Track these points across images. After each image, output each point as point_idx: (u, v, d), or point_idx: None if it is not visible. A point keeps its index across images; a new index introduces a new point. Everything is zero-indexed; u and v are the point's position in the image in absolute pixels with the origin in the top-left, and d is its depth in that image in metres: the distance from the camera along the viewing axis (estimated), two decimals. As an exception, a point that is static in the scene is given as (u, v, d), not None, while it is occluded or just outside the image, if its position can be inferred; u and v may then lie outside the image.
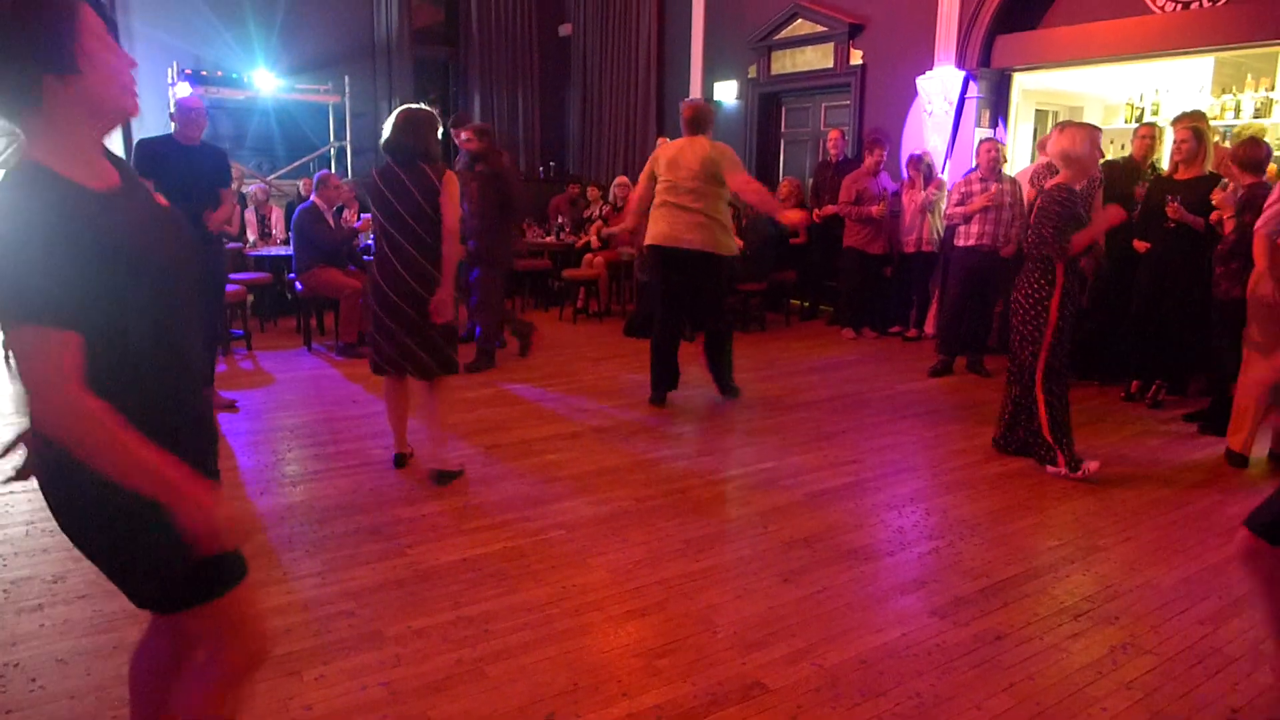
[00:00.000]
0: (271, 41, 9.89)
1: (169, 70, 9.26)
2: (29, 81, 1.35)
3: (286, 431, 4.86)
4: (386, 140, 3.92)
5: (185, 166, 4.85)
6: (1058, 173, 5.75)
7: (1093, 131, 4.26)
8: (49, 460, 1.46)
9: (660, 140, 7.66)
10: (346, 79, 10.17)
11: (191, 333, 1.60)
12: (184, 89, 9.25)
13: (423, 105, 4.04)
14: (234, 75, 9.54)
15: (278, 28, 9.95)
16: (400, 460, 4.30)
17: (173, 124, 5.19)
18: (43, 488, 1.51)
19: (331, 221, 7.03)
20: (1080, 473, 4.22)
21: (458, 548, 3.39)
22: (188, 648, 1.74)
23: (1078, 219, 4.17)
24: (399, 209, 3.88)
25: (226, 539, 1.45)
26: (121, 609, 2.86)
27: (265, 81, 9.65)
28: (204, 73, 9.39)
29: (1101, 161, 6.41)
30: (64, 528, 1.52)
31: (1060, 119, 7.34)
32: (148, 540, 1.47)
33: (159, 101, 9.64)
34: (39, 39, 1.34)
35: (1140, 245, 5.57)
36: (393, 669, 2.57)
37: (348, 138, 10.36)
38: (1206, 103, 6.81)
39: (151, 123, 9.57)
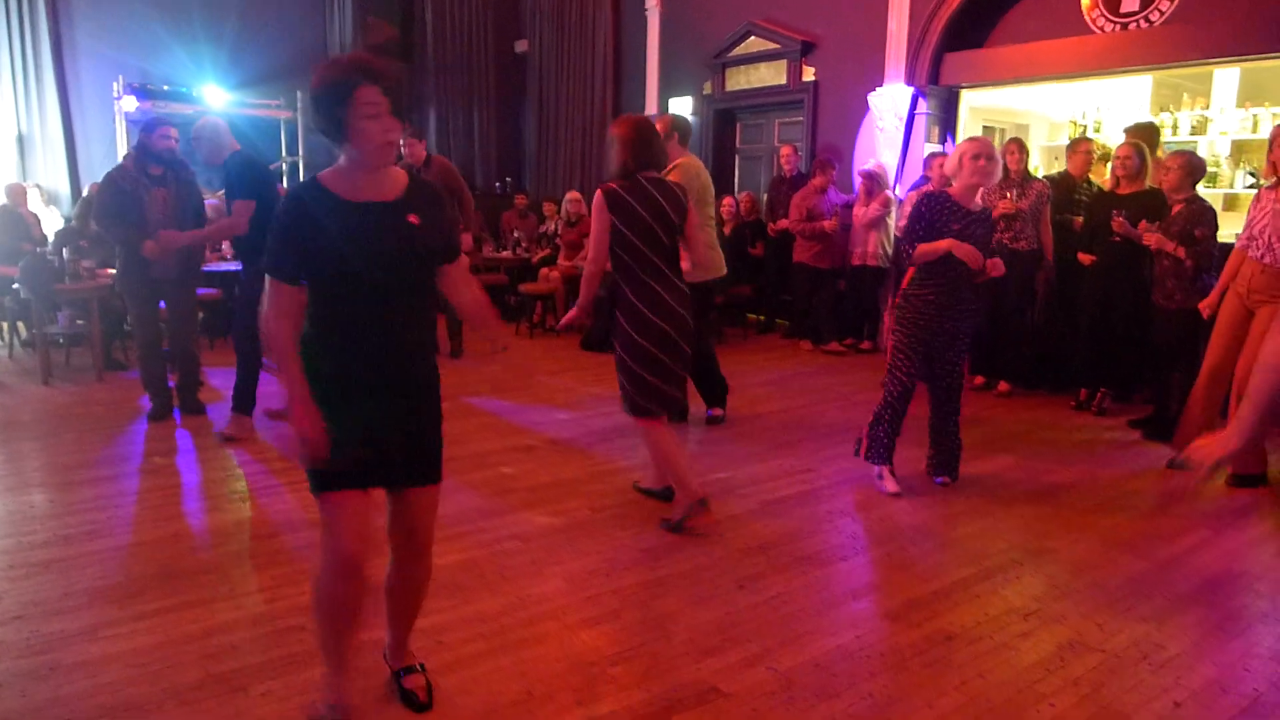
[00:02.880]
0: (221, 55, 9.78)
1: (115, 84, 9.12)
2: (327, 137, 2.15)
3: (235, 447, 4.77)
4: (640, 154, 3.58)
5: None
6: (1015, 188, 5.91)
7: (971, 145, 4.02)
8: None
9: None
10: (299, 94, 10.08)
11: (383, 320, 2.19)
12: (130, 103, 9.11)
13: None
14: (182, 89, 9.43)
15: (228, 41, 9.84)
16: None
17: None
18: None
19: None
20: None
21: (411, 560, 3.34)
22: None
23: (931, 227, 4.01)
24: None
25: (305, 457, 2.16)
26: (59, 630, 2.79)
27: (215, 96, 9.55)
28: (151, 87, 9.26)
29: (1044, 175, 6.60)
30: None
31: (1007, 135, 7.51)
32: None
33: (104, 115, 9.49)
34: (326, 120, 2.12)
35: (1085, 258, 5.71)
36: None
37: (300, 154, 10.27)
38: (1145, 120, 7.03)
39: (96, 135, 9.42)
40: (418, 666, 2.53)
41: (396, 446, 2.24)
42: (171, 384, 5.41)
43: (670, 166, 5.01)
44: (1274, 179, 4.24)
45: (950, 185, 4.14)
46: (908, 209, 6.58)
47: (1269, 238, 4.19)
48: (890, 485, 4.19)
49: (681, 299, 3.64)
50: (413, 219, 2.18)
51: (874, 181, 7.47)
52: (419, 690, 2.46)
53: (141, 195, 5.03)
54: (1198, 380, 4.60)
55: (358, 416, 2.19)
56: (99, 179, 8.53)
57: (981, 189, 4.13)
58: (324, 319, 2.19)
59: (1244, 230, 4.41)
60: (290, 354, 2.15)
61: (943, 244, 3.97)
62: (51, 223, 8.50)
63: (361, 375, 2.19)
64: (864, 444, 4.29)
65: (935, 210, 4.05)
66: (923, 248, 4.03)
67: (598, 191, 3.59)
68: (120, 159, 8.92)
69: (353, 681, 2.38)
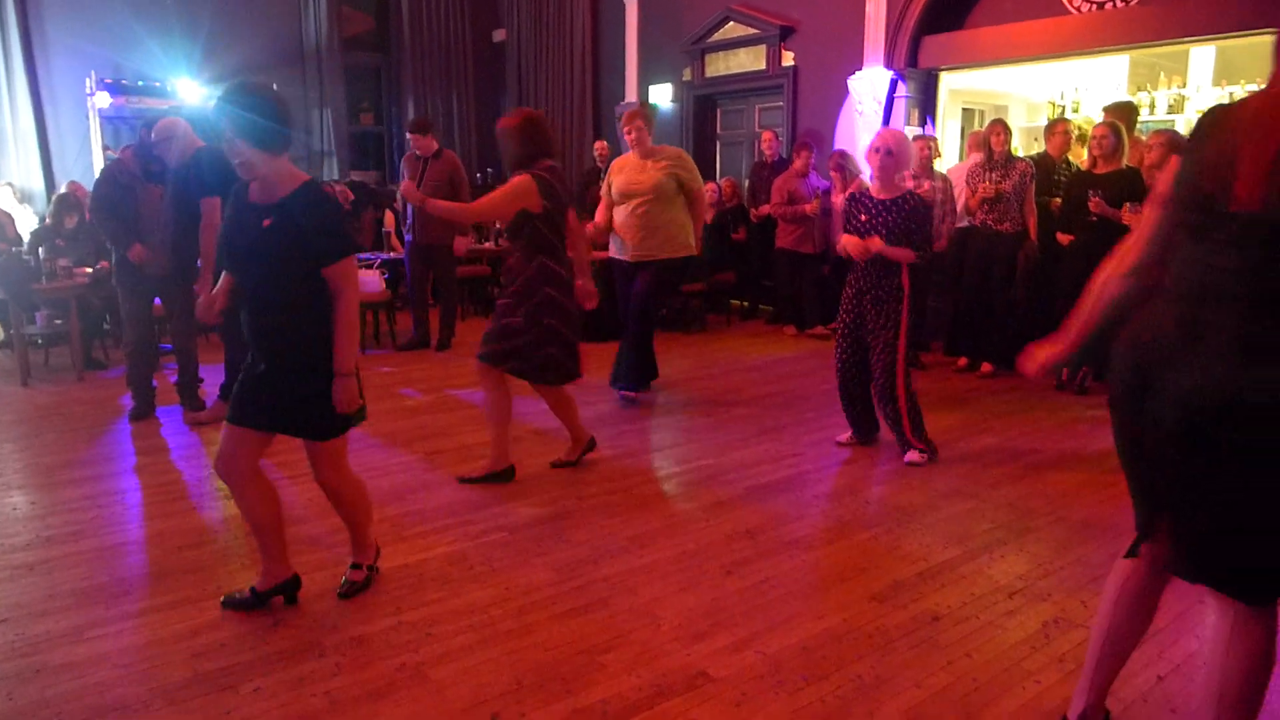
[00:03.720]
0: (196, 49, 9.65)
1: (87, 80, 9.00)
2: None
3: (213, 445, 4.73)
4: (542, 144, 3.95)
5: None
6: (993, 170, 5.94)
7: (876, 138, 4.38)
8: None
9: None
10: (274, 87, 9.97)
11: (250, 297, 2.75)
12: (103, 99, 9.00)
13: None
14: (156, 84, 9.29)
15: (202, 35, 9.71)
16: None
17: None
18: None
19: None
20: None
21: (398, 554, 3.34)
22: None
23: (847, 224, 4.41)
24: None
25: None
26: (44, 632, 2.77)
27: (189, 90, 9.43)
28: (124, 82, 9.13)
29: (1027, 156, 6.63)
30: None
31: (987, 117, 7.53)
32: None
33: (78, 112, 9.37)
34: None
35: (1063, 238, 5.75)
36: (333, 678, 2.52)
37: (278, 147, 10.17)
38: (1123, 99, 7.06)
39: (70, 132, 9.30)
40: (362, 565, 3.08)
41: (267, 402, 2.78)
42: (156, 384, 5.38)
43: (655, 151, 5.44)
44: None
45: (936, 165, 4.31)
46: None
47: None
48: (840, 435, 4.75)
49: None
50: (266, 222, 2.66)
51: (844, 171, 7.40)
52: (357, 582, 3.04)
53: (137, 191, 5.03)
54: None
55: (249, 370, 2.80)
56: (73, 177, 8.50)
57: (965, 174, 4.26)
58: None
59: None
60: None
61: (841, 240, 4.40)
62: (26, 222, 8.39)
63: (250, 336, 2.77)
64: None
65: (849, 206, 4.45)
66: (838, 245, 4.48)
67: (525, 175, 3.77)
68: (106, 156, 8.86)
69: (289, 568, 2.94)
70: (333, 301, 2.73)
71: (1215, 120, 1.78)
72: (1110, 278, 2.03)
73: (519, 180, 3.84)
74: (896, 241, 4.22)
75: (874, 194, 4.35)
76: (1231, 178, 1.65)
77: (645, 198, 5.36)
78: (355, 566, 3.07)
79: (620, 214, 5.49)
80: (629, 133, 5.42)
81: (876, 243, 4.24)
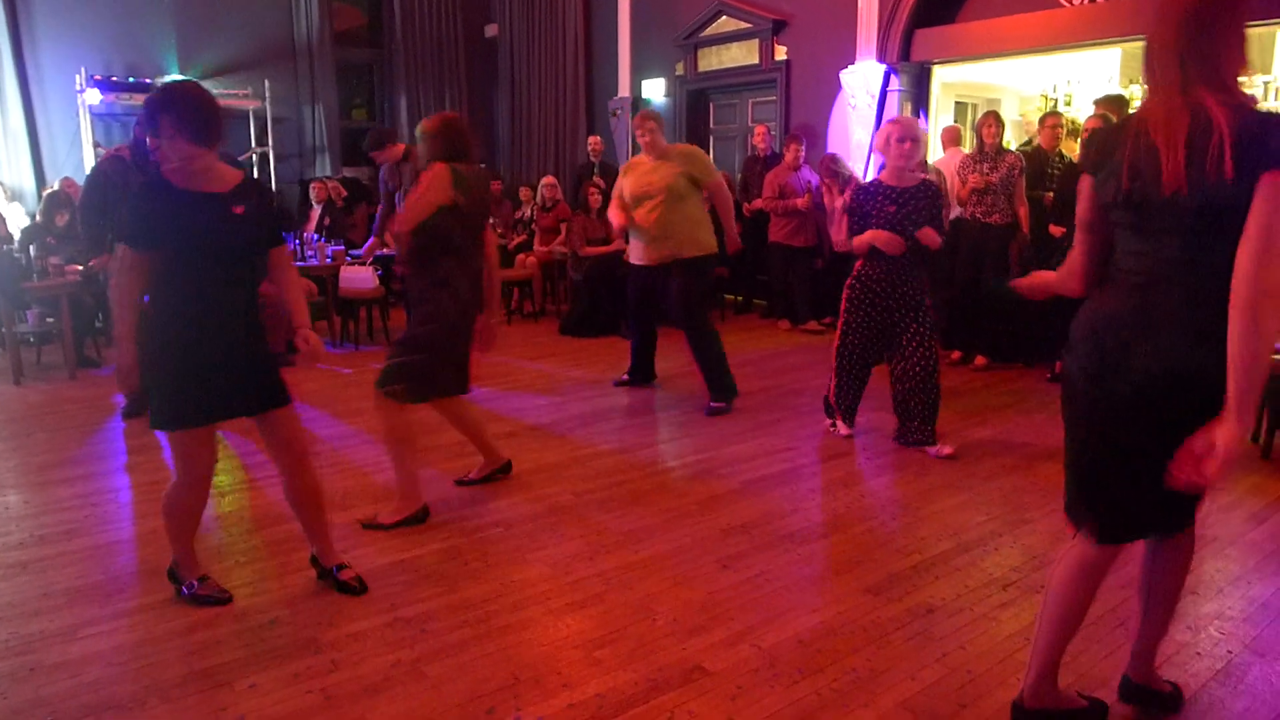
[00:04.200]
0: (186, 44, 9.61)
1: (77, 76, 8.95)
2: None
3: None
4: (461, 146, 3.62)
5: None
6: (983, 162, 5.95)
7: (896, 127, 4.28)
8: None
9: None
10: (267, 83, 9.95)
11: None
12: (94, 96, 8.96)
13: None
14: (147, 80, 9.25)
15: (193, 30, 9.68)
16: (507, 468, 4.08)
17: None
18: None
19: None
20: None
21: (393, 550, 3.34)
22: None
23: (864, 216, 4.30)
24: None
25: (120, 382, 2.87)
26: (39, 631, 2.77)
27: (181, 87, 9.38)
28: (114, 79, 9.09)
29: (1017, 148, 6.64)
30: None
31: (979, 111, 7.54)
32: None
33: (68, 109, 9.33)
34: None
35: (1056, 230, 5.76)
36: (328, 675, 2.52)
37: (270, 144, 10.14)
38: (1114, 93, 7.07)
39: (60, 129, 9.26)
40: (347, 564, 3.09)
41: (235, 387, 2.80)
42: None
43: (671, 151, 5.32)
44: None
45: (981, 162, 4.32)
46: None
47: None
48: (842, 429, 4.72)
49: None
50: (239, 209, 2.75)
51: (838, 175, 7.36)
52: (352, 580, 3.03)
53: (131, 187, 5.01)
54: None
55: (200, 368, 2.76)
56: (64, 174, 8.46)
57: (955, 166, 4.24)
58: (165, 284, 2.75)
59: None
60: (129, 306, 2.75)
61: (867, 236, 4.27)
62: (16, 220, 8.35)
63: (195, 334, 2.74)
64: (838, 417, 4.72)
65: (865, 200, 4.30)
66: (856, 241, 4.33)
67: (440, 165, 3.52)
68: (96, 152, 8.81)
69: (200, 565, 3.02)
70: (279, 275, 2.98)
71: (1116, 134, 2.01)
72: (1060, 283, 2.32)
73: (434, 168, 3.53)
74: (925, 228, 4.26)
75: (894, 183, 4.28)
76: (1157, 169, 1.85)
77: (657, 199, 5.19)
78: (346, 565, 3.09)
79: (635, 218, 5.33)
80: (642, 135, 5.28)
81: (933, 236, 4.24)
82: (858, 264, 4.43)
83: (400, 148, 6.70)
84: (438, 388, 3.69)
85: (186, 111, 2.68)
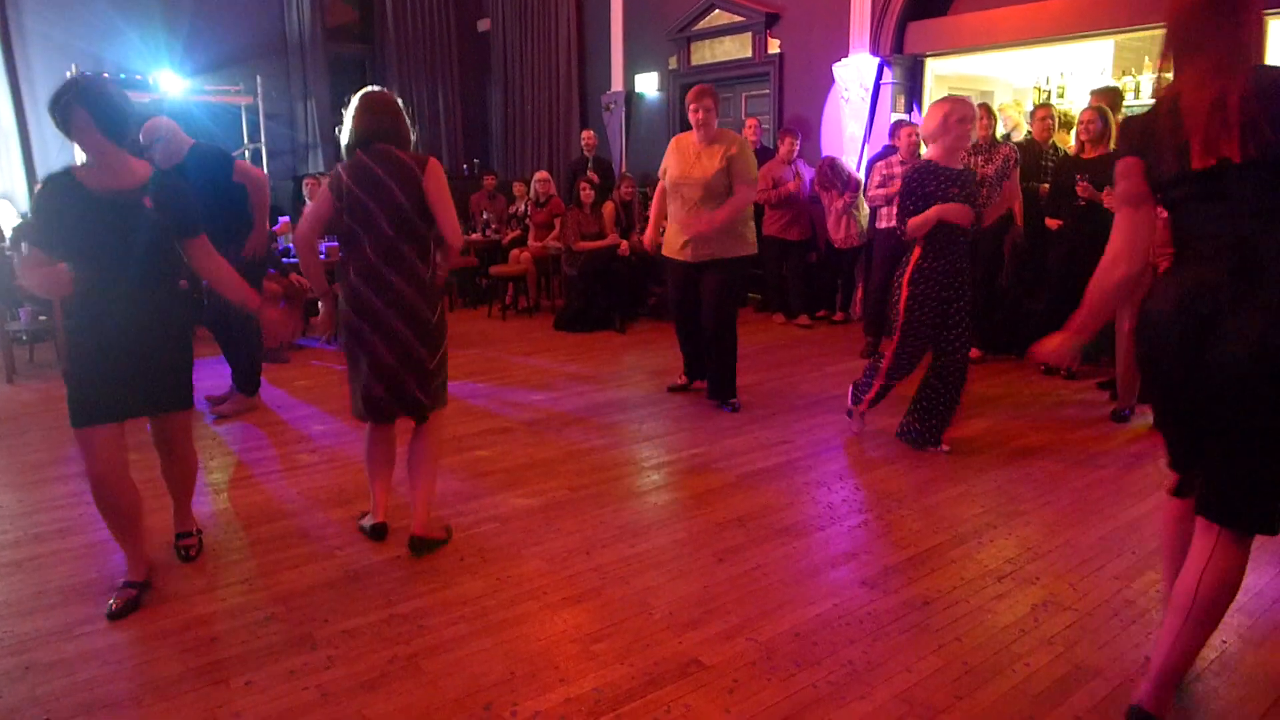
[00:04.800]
0: (177, 41, 9.56)
1: (67, 73, 8.88)
2: None
3: (209, 439, 4.72)
4: (360, 129, 3.15)
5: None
6: (977, 154, 5.94)
7: (955, 106, 4.03)
8: None
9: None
10: (259, 79, 9.90)
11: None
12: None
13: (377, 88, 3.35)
14: (137, 77, 9.19)
15: (184, 27, 9.62)
16: (381, 532, 3.36)
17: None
18: None
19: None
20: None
21: (389, 546, 3.33)
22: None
23: (926, 198, 4.03)
24: (376, 208, 3.10)
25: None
26: (34, 629, 2.76)
27: (171, 83, 9.34)
28: (105, 75, 9.01)
29: (1014, 140, 6.63)
30: None
31: (977, 104, 7.51)
32: None
33: (59, 106, 9.24)
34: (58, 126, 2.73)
35: (1052, 223, 5.76)
36: (325, 671, 2.52)
37: (262, 140, 10.09)
38: (1108, 84, 7.07)
39: (51, 126, 9.18)
40: (193, 532, 3.28)
41: (139, 385, 2.82)
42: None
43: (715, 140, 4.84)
44: None
45: (923, 151, 4.19)
46: (875, 178, 6.59)
47: None
48: (856, 426, 4.61)
49: (423, 288, 3.18)
50: (148, 202, 2.74)
51: (835, 179, 7.36)
52: (187, 549, 3.23)
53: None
54: (1119, 341, 4.91)
55: (104, 365, 2.77)
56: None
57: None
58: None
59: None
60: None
61: (931, 211, 4.02)
62: (8, 218, 8.31)
63: (110, 325, 2.73)
64: (868, 394, 4.48)
65: (928, 180, 4.05)
66: (913, 220, 4.06)
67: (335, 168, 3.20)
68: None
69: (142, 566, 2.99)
70: (201, 264, 2.96)
71: (1155, 116, 2.12)
72: (1110, 269, 2.27)
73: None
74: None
75: (950, 165, 4.13)
76: (1230, 136, 1.96)
77: (696, 192, 4.84)
78: (190, 534, 3.28)
79: (674, 207, 4.97)
80: (696, 111, 4.81)
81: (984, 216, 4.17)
82: (914, 256, 4.17)
83: None
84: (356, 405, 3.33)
85: (102, 105, 2.64)
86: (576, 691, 2.41)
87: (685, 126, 9.80)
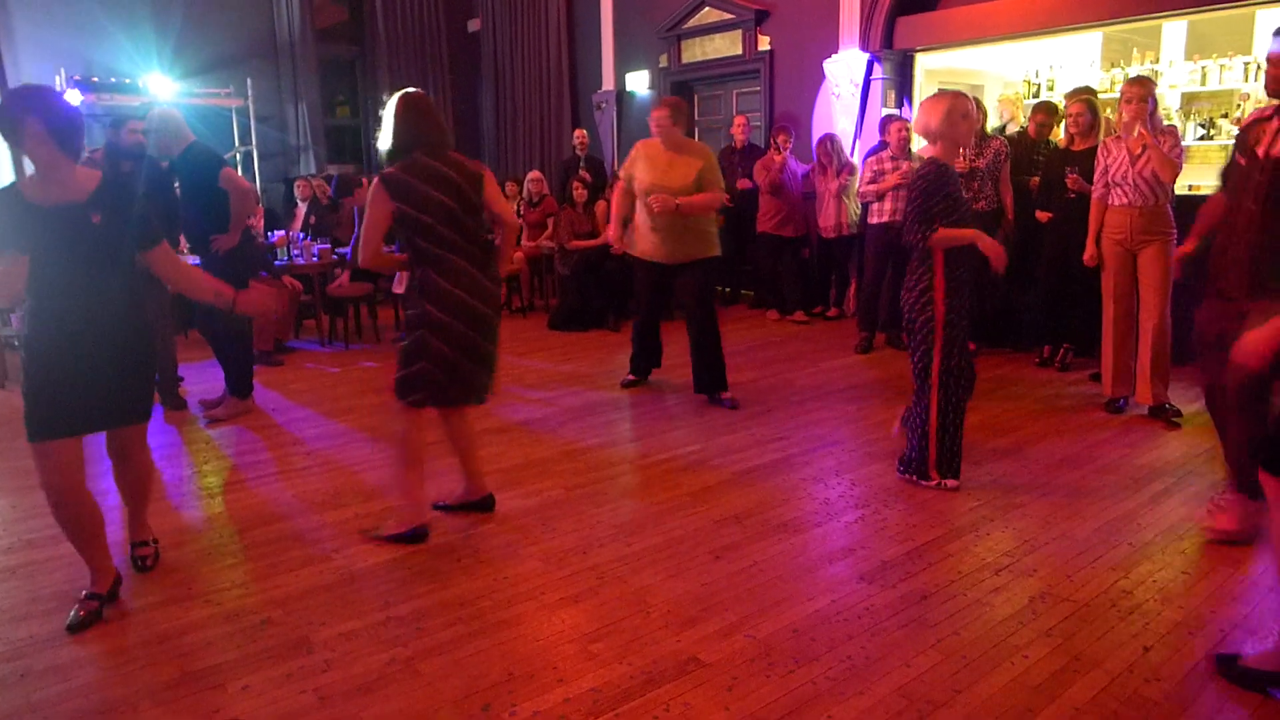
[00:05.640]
0: (167, 43, 9.51)
1: (56, 77, 8.85)
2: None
3: (203, 443, 4.70)
4: (417, 132, 3.25)
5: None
6: (972, 148, 5.94)
7: (957, 102, 3.71)
8: None
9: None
10: (249, 81, 9.86)
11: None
12: (74, 97, 8.86)
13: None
14: (127, 80, 9.15)
15: (173, 28, 9.57)
16: (425, 534, 3.39)
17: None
18: None
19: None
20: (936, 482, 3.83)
21: (386, 548, 3.32)
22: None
23: (948, 198, 3.62)
24: (455, 206, 3.23)
25: None
26: (29, 635, 2.74)
27: (161, 86, 9.28)
28: (94, 79, 8.98)
29: (1004, 135, 6.64)
30: None
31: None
32: None
33: (48, 110, 9.18)
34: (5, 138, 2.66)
35: (1042, 216, 5.77)
36: (322, 674, 2.51)
37: (253, 142, 10.06)
38: (1097, 77, 7.10)
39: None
40: (149, 541, 3.23)
41: (96, 399, 2.76)
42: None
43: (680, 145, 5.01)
44: (1119, 131, 4.71)
45: (914, 146, 4.11)
46: (867, 173, 6.60)
47: (1133, 180, 4.58)
48: (952, 482, 3.82)
49: (492, 275, 3.42)
50: (95, 218, 2.68)
51: (835, 153, 7.37)
52: (144, 558, 3.18)
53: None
54: (1105, 330, 4.91)
55: (57, 380, 2.73)
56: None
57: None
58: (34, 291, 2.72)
59: (1097, 181, 4.82)
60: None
61: (969, 234, 3.62)
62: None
63: (63, 338, 2.70)
64: (930, 461, 3.79)
65: (949, 181, 3.66)
66: (947, 233, 3.59)
67: (375, 179, 3.25)
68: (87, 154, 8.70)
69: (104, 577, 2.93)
70: (164, 272, 2.93)
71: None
72: None
73: (372, 185, 3.29)
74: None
75: (949, 162, 3.77)
76: None
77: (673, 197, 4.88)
78: (145, 544, 3.22)
79: (646, 214, 5.02)
80: (659, 120, 4.95)
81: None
82: (939, 267, 3.67)
83: (365, 186, 6.79)
84: (449, 396, 3.40)
85: (54, 117, 2.58)
86: (575, 691, 2.40)
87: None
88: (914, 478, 3.86)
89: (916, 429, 3.83)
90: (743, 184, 8.00)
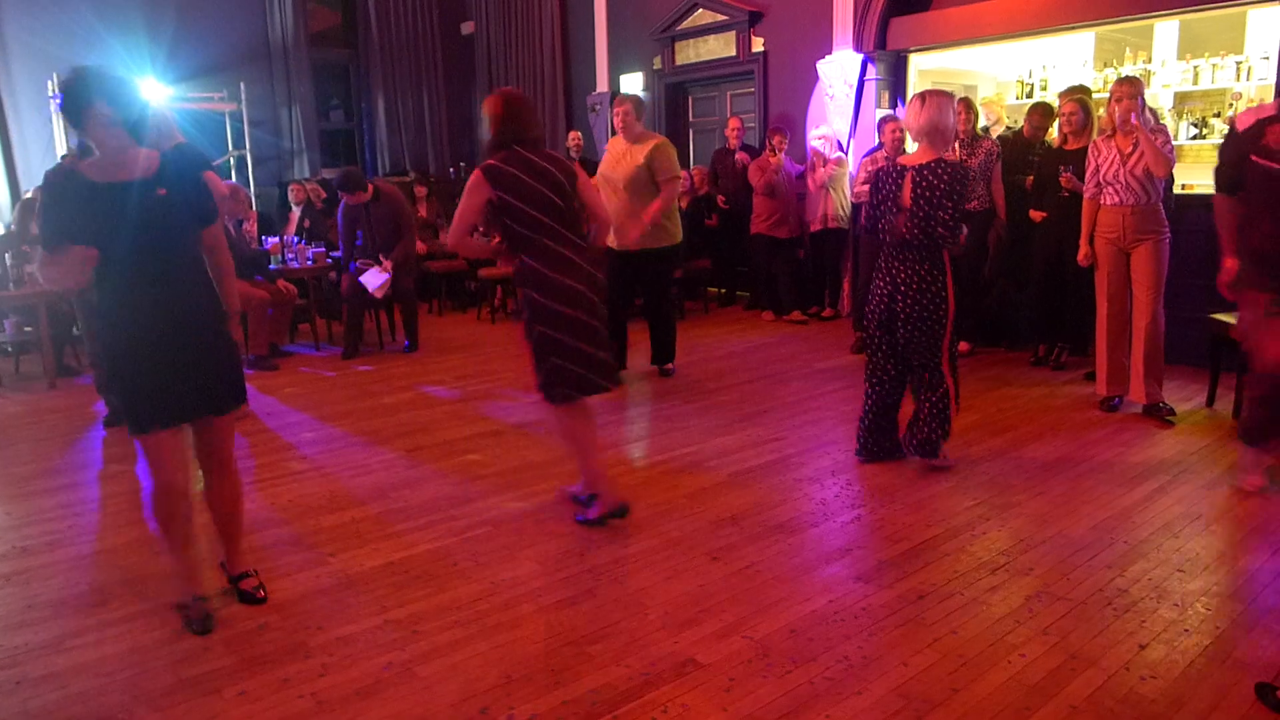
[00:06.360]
0: (160, 48, 9.49)
1: (49, 82, 8.83)
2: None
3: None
4: (518, 127, 3.37)
5: None
6: (964, 148, 5.96)
7: (950, 100, 3.89)
8: None
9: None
10: (242, 86, 9.85)
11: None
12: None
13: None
14: (120, 85, 9.10)
15: (166, 33, 9.55)
16: (626, 509, 3.53)
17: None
18: None
19: (233, 233, 6.81)
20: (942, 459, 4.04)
21: (382, 552, 3.32)
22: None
23: (963, 198, 3.83)
24: (555, 198, 3.35)
25: None
26: (24, 643, 2.73)
27: (154, 91, 9.25)
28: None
29: (997, 135, 6.66)
30: None
31: (958, 98, 7.53)
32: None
33: (40, 115, 9.21)
34: (70, 123, 2.61)
35: (1036, 215, 5.78)
36: (319, 679, 2.51)
37: (247, 146, 10.04)
38: (1089, 76, 7.11)
39: (33, 135, 9.15)
40: (251, 572, 3.05)
41: (190, 385, 2.68)
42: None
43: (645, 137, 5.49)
44: (1111, 130, 4.71)
45: (909, 147, 4.13)
46: (861, 174, 6.60)
47: (1125, 179, 4.59)
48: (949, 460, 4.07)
49: (590, 260, 3.50)
50: (161, 191, 2.62)
51: (827, 146, 7.41)
52: (254, 590, 2.98)
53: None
54: (1099, 329, 4.92)
55: (146, 368, 2.65)
56: (38, 182, 8.35)
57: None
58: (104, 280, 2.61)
59: (1089, 181, 4.85)
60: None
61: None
62: (-9, 228, 8.25)
63: (145, 328, 2.61)
64: (942, 444, 4.01)
65: (962, 175, 3.79)
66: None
67: (476, 170, 3.38)
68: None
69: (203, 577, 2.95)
70: (211, 257, 2.84)
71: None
72: None
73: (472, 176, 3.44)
74: None
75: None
76: None
77: (621, 184, 5.43)
78: (248, 574, 3.05)
79: (610, 201, 5.44)
80: (616, 116, 5.50)
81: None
82: (948, 264, 3.89)
83: (369, 188, 6.88)
84: (588, 383, 3.46)
85: (123, 98, 2.51)
86: (573, 694, 2.40)
87: (671, 126, 9.85)
88: (929, 460, 4.04)
89: (936, 413, 3.99)
90: (752, 178, 7.89)
